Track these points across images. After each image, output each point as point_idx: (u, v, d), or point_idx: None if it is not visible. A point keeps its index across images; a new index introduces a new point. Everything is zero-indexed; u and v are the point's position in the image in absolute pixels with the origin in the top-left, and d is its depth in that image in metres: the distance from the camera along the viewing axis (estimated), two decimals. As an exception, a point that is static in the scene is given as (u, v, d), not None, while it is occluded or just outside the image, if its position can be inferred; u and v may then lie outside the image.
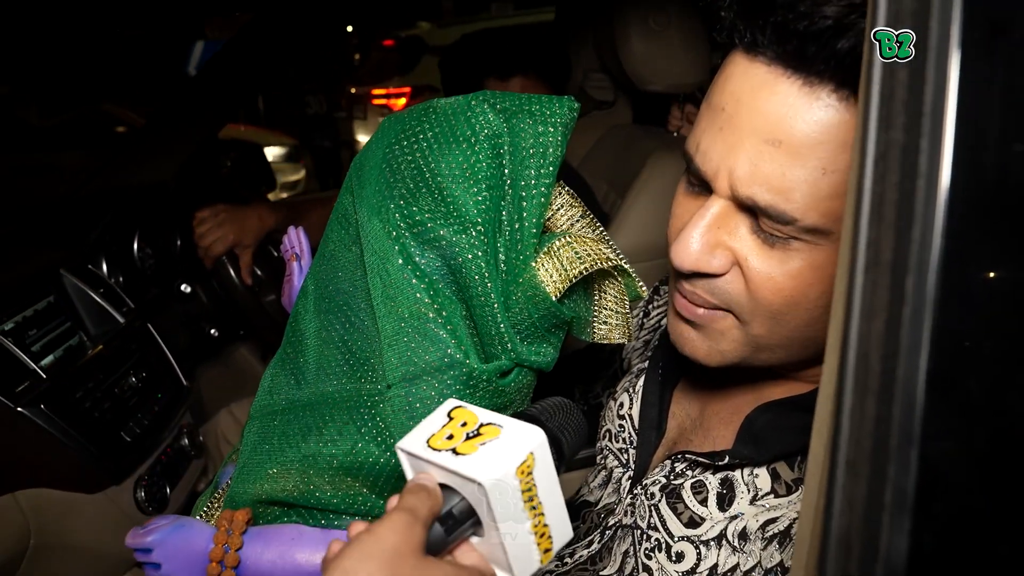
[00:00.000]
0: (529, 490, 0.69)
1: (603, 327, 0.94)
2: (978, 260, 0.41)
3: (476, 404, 0.83)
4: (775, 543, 0.84)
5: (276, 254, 2.12)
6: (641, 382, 1.11)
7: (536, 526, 0.70)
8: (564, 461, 0.80)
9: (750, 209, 0.78)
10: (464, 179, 0.84)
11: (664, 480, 0.97)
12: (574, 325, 0.91)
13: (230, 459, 1.21)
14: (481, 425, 0.72)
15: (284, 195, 6.63)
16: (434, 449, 0.71)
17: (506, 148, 0.84)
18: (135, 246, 1.96)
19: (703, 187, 0.83)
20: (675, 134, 2.28)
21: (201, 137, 2.22)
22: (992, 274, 0.41)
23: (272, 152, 6.66)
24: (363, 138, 7.93)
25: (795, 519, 0.84)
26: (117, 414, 1.55)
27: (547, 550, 0.71)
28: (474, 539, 0.72)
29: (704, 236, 0.80)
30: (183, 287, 1.92)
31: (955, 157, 0.42)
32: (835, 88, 0.71)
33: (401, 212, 0.84)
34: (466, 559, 0.71)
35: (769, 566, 0.84)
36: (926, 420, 0.42)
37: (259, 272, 2.03)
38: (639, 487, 1.00)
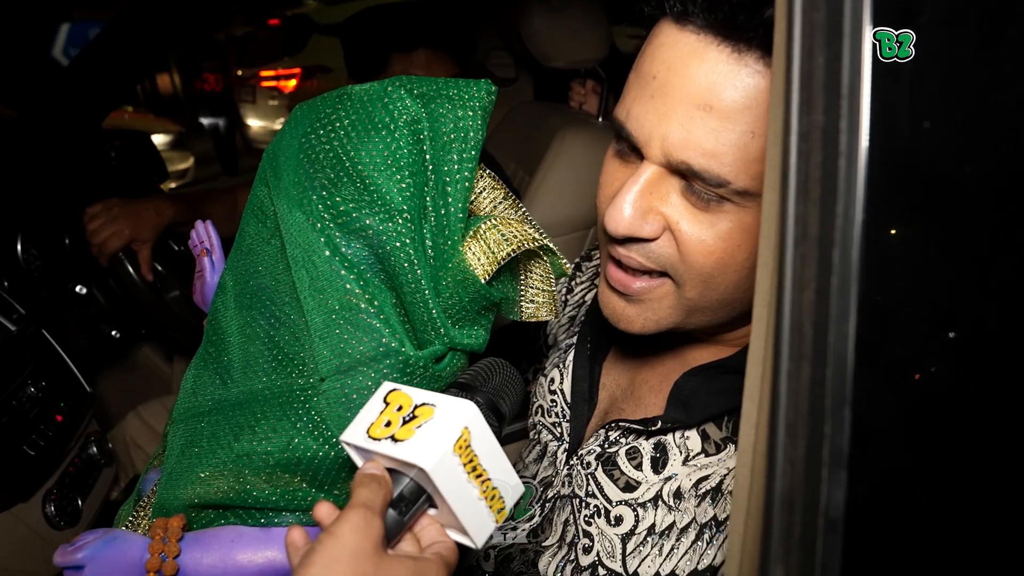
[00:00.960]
0: (471, 461, 0.71)
1: (530, 306, 0.96)
2: (896, 232, 0.45)
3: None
4: (708, 499, 0.89)
5: (177, 248, 2.03)
6: (570, 357, 1.13)
7: (484, 491, 0.72)
8: (506, 420, 0.81)
9: (681, 174, 0.80)
10: (386, 167, 0.83)
11: (599, 449, 1.00)
12: (503, 306, 0.93)
13: (151, 466, 1.16)
14: (416, 407, 0.74)
15: (173, 184, 6.31)
16: (374, 439, 0.73)
17: (426, 134, 0.83)
18: (19, 248, 1.84)
19: (634, 153, 0.85)
20: (579, 108, 2.31)
21: (82, 128, 2.08)
22: (910, 244, 0.45)
23: (157, 140, 6.33)
24: (253, 122, 7.64)
25: (725, 474, 0.89)
26: (17, 428, 1.46)
27: (500, 510, 0.74)
28: (431, 511, 0.74)
29: (636, 202, 0.82)
30: (78, 288, 1.81)
31: (872, 136, 0.45)
32: (762, 55, 0.74)
33: (324, 203, 0.83)
34: (425, 533, 0.73)
35: (703, 520, 0.88)
36: (856, 382, 0.45)
37: (160, 268, 1.94)
38: (575, 458, 1.03)
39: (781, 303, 0.48)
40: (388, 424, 0.74)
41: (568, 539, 1.00)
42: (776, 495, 0.48)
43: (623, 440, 0.98)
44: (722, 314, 0.89)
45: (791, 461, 0.48)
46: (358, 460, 0.77)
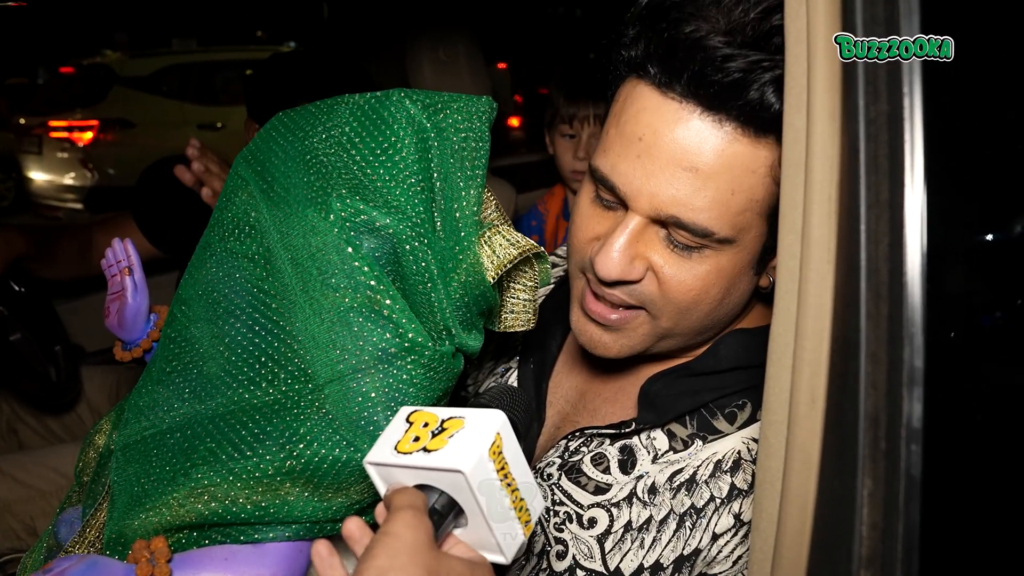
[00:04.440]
0: (502, 468, 0.74)
1: (509, 316, 1.00)
2: (951, 196, 0.57)
3: (434, 386, 0.85)
4: (683, 490, 0.96)
5: (18, 288, 1.81)
6: (513, 377, 1.17)
7: (514, 501, 0.75)
8: (522, 438, 0.84)
9: (663, 224, 0.89)
10: (396, 172, 0.84)
11: (560, 460, 1.04)
12: (491, 314, 0.96)
13: (64, 508, 1.03)
14: (443, 421, 0.76)
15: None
16: (404, 453, 0.74)
17: (433, 142, 0.86)
18: None
19: (619, 204, 0.93)
20: None
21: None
22: (966, 201, 0.57)
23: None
24: (36, 175, 6.95)
25: (698, 466, 0.97)
26: None
27: (527, 522, 0.76)
28: (456, 531, 0.76)
29: (626, 250, 0.90)
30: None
31: (925, 121, 0.57)
32: (739, 125, 0.84)
33: (343, 201, 0.83)
34: (455, 552, 0.74)
35: (682, 510, 0.95)
36: (927, 314, 0.56)
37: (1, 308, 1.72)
38: (534, 472, 1.06)
39: (856, 256, 0.58)
40: (417, 439, 0.75)
41: (536, 550, 1.02)
42: (861, 415, 0.58)
43: (585, 448, 1.03)
44: (690, 339, 0.99)
45: (874, 384, 0.57)
46: (380, 485, 0.77)
